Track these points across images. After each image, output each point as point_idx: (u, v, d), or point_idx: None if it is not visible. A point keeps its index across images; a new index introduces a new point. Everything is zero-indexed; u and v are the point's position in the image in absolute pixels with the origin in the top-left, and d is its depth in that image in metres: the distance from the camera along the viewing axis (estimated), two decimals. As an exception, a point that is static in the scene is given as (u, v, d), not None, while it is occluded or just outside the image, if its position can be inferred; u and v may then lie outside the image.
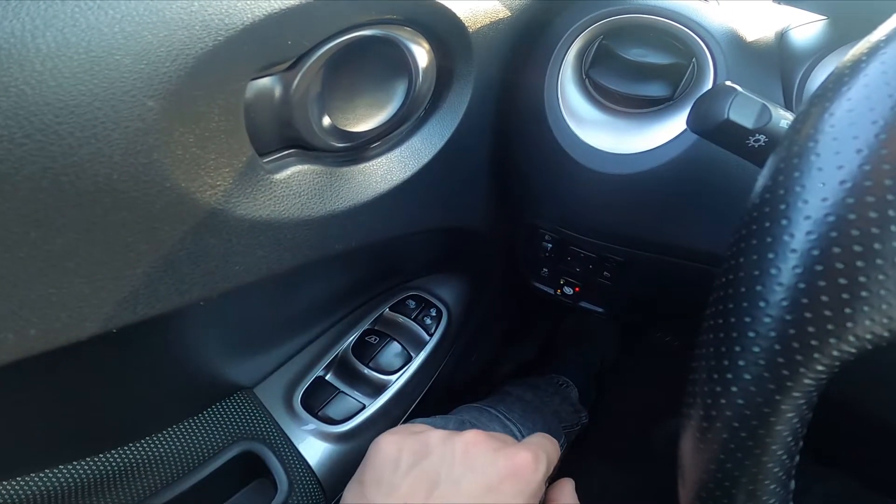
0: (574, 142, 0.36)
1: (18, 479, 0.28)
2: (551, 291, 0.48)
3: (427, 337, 0.43)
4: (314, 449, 0.36)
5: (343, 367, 0.40)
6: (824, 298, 0.14)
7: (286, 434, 0.36)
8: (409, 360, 0.41)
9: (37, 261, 0.18)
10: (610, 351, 0.80)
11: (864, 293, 0.14)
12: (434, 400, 0.46)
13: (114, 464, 0.31)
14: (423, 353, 0.42)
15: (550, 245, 0.44)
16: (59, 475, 0.29)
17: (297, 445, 0.35)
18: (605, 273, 0.43)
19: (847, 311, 0.14)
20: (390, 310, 0.44)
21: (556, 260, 0.45)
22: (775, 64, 0.35)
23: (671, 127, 0.34)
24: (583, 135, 0.36)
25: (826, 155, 0.14)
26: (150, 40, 0.17)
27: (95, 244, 0.19)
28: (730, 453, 0.16)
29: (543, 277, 0.48)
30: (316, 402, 0.38)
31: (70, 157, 0.17)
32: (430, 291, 0.47)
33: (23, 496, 0.28)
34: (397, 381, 0.40)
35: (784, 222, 0.15)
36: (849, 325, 0.14)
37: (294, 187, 0.25)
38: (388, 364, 0.41)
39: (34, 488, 0.28)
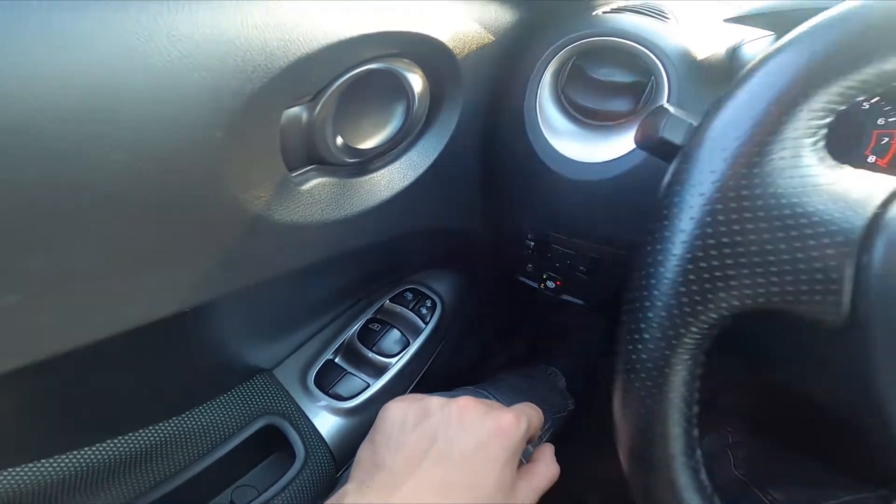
0: (550, 152, 0.42)
1: (76, 451, 0.33)
2: (535, 285, 0.54)
3: (423, 325, 0.49)
4: (326, 422, 0.42)
5: (350, 351, 0.46)
6: (698, 275, 0.20)
7: (302, 409, 0.41)
8: (407, 344, 0.47)
9: (128, 256, 0.24)
10: (595, 342, 0.86)
11: (726, 272, 0.20)
12: (431, 384, 0.52)
13: (156, 436, 0.36)
14: (419, 339, 0.48)
15: (533, 243, 0.50)
16: (110, 447, 0.34)
17: (311, 419, 0.41)
18: (582, 268, 0.49)
19: (712, 286, 0.20)
20: (391, 301, 0.50)
21: (539, 257, 0.51)
22: (727, 78, 0.40)
23: (632, 139, 0.41)
24: (558, 146, 0.42)
25: (703, 161, 0.21)
26: (217, 84, 0.23)
27: (170, 243, 0.24)
28: (643, 402, 0.22)
29: (528, 272, 0.53)
30: (327, 381, 0.44)
31: (156, 173, 0.23)
32: (426, 285, 0.53)
33: (83, 464, 0.33)
34: (397, 364, 0.46)
35: (676, 211, 0.21)
36: (710, 296, 0.20)
37: (315, 196, 0.30)
38: (388, 348, 0.47)
39: (92, 458, 0.33)
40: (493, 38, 0.39)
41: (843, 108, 0.20)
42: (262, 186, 0.27)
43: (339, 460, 0.42)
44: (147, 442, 0.36)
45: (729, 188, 0.20)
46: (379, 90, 0.33)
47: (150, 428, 0.36)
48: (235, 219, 0.26)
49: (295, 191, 0.29)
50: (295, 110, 0.28)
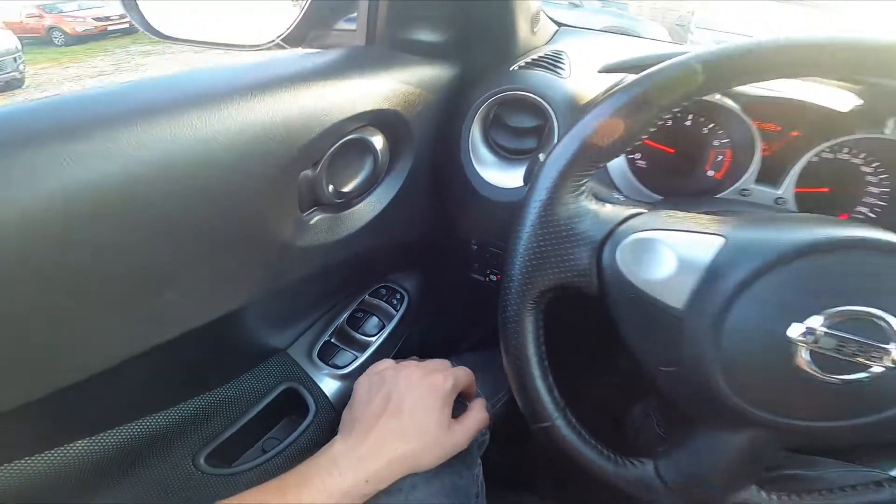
0: (479, 181, 0.58)
1: (148, 416, 0.47)
2: (482, 279, 0.70)
3: (394, 312, 0.66)
4: (328, 385, 0.58)
5: (342, 333, 0.63)
6: (530, 264, 0.36)
7: (310, 376, 0.57)
8: (383, 327, 0.64)
9: (202, 270, 0.39)
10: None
11: (543, 262, 0.36)
12: (406, 357, 0.69)
13: (209, 401, 0.51)
14: (391, 323, 0.65)
15: (476, 247, 0.66)
16: (171, 413, 0.49)
17: (318, 383, 0.57)
18: None
19: (537, 271, 0.36)
20: (369, 295, 0.67)
21: (481, 257, 0.67)
22: None
23: None
24: (486, 175, 0.58)
25: (533, 195, 0.36)
26: (266, 160, 0.39)
27: (223, 260, 0.40)
28: (511, 335, 0.37)
29: (476, 270, 0.68)
30: (327, 355, 0.60)
31: (227, 215, 0.38)
32: (397, 283, 0.69)
33: (149, 428, 0.47)
34: (376, 342, 0.63)
35: (521, 223, 0.37)
36: (537, 277, 0.36)
37: (318, 227, 0.47)
38: (369, 330, 0.63)
39: (157, 422, 0.47)
40: (435, 97, 0.55)
41: (598, 168, 0.37)
42: (287, 223, 0.43)
43: (339, 411, 0.58)
44: (201, 406, 0.51)
45: (544, 212, 0.36)
46: (353, 150, 0.49)
47: (203, 396, 0.51)
48: (271, 244, 0.42)
49: (306, 225, 0.46)
50: (306, 172, 0.44)
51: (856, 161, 0.53)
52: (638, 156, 0.60)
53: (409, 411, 0.42)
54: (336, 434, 0.48)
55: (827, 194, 0.54)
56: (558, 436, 0.39)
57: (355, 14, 0.56)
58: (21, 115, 0.30)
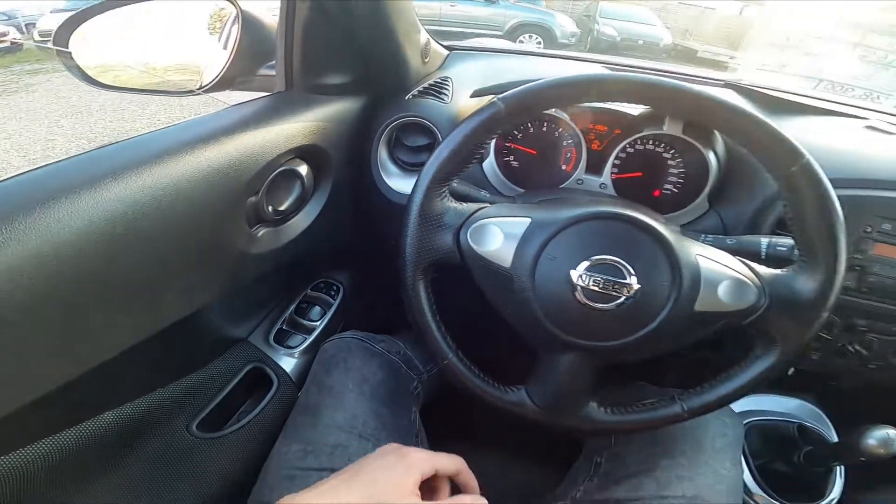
0: (387, 189, 0.74)
1: (130, 402, 0.58)
2: None
3: (333, 301, 0.81)
4: (286, 362, 0.72)
5: (292, 321, 0.77)
6: (413, 245, 0.51)
7: (271, 357, 0.71)
8: (324, 314, 0.79)
9: (170, 277, 0.52)
10: (466, 308, 1.16)
11: (420, 244, 0.52)
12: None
13: (184, 385, 0.64)
14: (330, 311, 0.80)
15: (394, 243, 0.82)
16: (154, 396, 0.61)
17: (277, 362, 0.72)
18: None
19: (420, 250, 0.52)
20: (311, 290, 0.81)
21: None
22: None
23: None
24: (393, 185, 0.74)
25: (414, 195, 0.51)
26: (220, 192, 0.52)
27: (195, 268, 0.53)
28: (413, 302, 0.52)
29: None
30: (282, 339, 0.74)
31: (196, 232, 0.51)
32: (333, 277, 0.84)
33: (136, 409, 0.59)
34: (320, 325, 0.77)
35: (409, 212, 0.52)
36: (420, 255, 0.51)
37: (263, 238, 0.61)
38: (314, 317, 0.78)
39: (140, 406, 0.59)
40: (347, 126, 0.71)
41: (454, 179, 0.53)
42: (240, 237, 0.57)
43: (297, 383, 0.72)
44: (187, 387, 0.63)
45: (420, 208, 0.51)
46: (285, 178, 0.63)
47: (186, 378, 0.63)
48: (229, 254, 0.56)
49: (254, 237, 0.60)
50: (251, 198, 0.58)
51: (658, 150, 0.73)
52: (511, 157, 0.77)
53: (369, 469, 0.42)
54: (301, 400, 0.61)
55: (640, 178, 0.74)
56: (455, 370, 0.53)
57: (274, 62, 0.69)
58: (37, 180, 0.42)
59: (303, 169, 0.64)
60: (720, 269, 0.48)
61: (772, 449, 0.76)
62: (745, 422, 0.78)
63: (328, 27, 0.61)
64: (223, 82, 0.63)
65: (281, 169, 0.61)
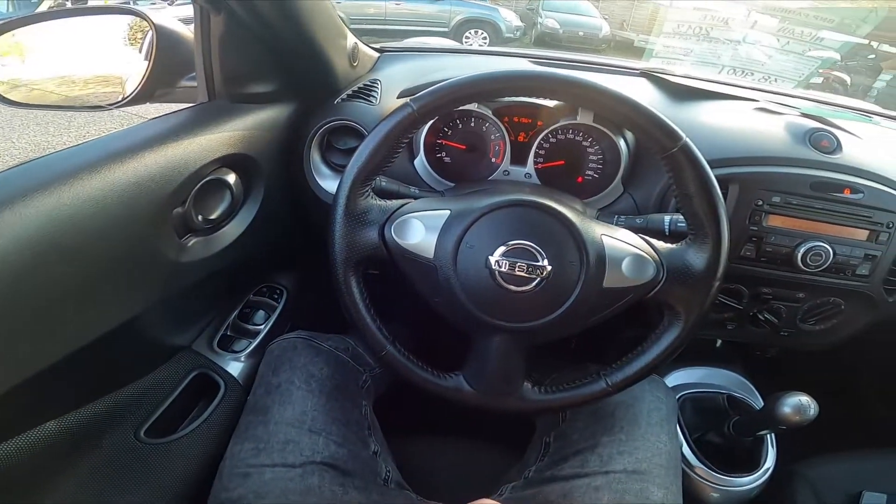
0: (323, 191, 0.75)
1: (75, 410, 0.57)
2: None
3: (276, 305, 0.82)
4: (232, 367, 0.73)
5: (235, 326, 0.77)
6: (344, 242, 0.54)
7: (216, 363, 0.72)
8: (268, 317, 0.80)
9: (98, 287, 0.52)
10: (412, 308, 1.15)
11: (350, 240, 0.54)
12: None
13: (127, 394, 0.63)
14: (275, 313, 0.80)
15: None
16: (97, 405, 0.60)
17: (223, 367, 0.72)
18: None
19: (350, 247, 0.53)
20: (254, 295, 0.82)
21: None
22: None
23: None
24: (326, 187, 0.76)
25: (338, 192, 0.54)
26: (145, 203, 0.52)
27: (122, 278, 0.53)
28: (346, 298, 0.54)
29: None
30: (226, 345, 0.74)
31: (125, 242, 0.51)
32: (276, 281, 0.85)
33: (80, 417, 0.59)
34: (264, 329, 0.78)
35: (334, 211, 0.54)
36: (349, 253, 0.53)
37: (194, 248, 0.61)
38: (258, 321, 0.79)
39: (89, 412, 0.59)
40: (277, 133, 0.71)
41: (375, 181, 0.55)
42: (169, 247, 0.58)
43: (245, 386, 0.73)
44: (132, 394, 0.62)
45: (344, 207, 0.53)
46: (213, 187, 0.64)
47: (131, 385, 0.62)
48: (159, 264, 0.57)
49: (185, 247, 0.60)
50: (178, 209, 0.59)
51: (578, 139, 0.77)
52: (443, 153, 0.80)
53: None
54: (245, 403, 0.62)
55: (563, 166, 0.78)
56: (393, 361, 0.56)
57: (195, 73, 0.69)
58: None
59: (230, 178, 0.64)
60: (623, 246, 0.53)
61: (705, 420, 0.79)
62: (678, 395, 0.82)
63: (246, 39, 0.62)
64: (142, 96, 0.63)
65: (208, 178, 0.61)
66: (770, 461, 0.76)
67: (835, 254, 0.69)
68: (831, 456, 0.74)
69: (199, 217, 0.62)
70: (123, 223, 0.51)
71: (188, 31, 0.63)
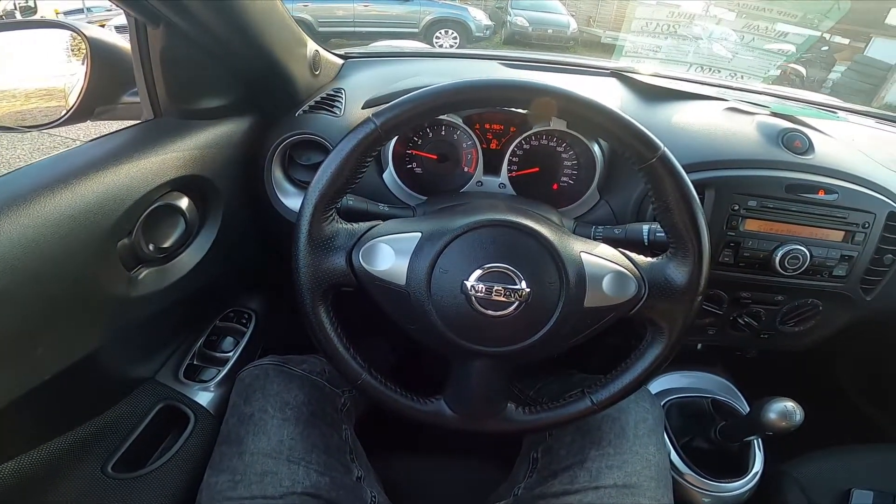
0: (287, 210, 0.70)
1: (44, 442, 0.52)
2: None
3: (245, 330, 0.76)
4: (202, 397, 0.68)
5: (202, 355, 0.72)
6: (309, 270, 0.49)
7: (183, 393, 0.67)
8: (237, 343, 0.74)
9: (45, 325, 0.46)
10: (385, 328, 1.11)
11: (314, 269, 0.49)
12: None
13: (89, 430, 0.57)
14: (244, 339, 0.75)
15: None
16: (70, 436, 0.54)
17: (191, 397, 0.67)
18: None
19: (315, 276, 0.49)
20: (220, 321, 0.76)
21: None
22: None
23: None
24: (287, 203, 0.70)
25: (302, 216, 0.48)
26: (89, 230, 0.47)
27: (71, 315, 0.47)
28: (315, 328, 0.50)
29: None
30: (193, 374, 0.69)
31: (70, 280, 0.46)
32: (244, 305, 0.80)
33: (41, 456, 0.52)
34: (233, 356, 0.73)
35: (297, 236, 0.49)
36: (317, 279, 0.49)
37: (147, 280, 0.56)
38: (227, 347, 0.73)
39: (48, 451, 0.53)
40: (234, 150, 0.66)
41: (338, 204, 0.50)
42: (118, 282, 0.52)
43: (217, 415, 0.67)
44: (96, 428, 0.58)
45: (307, 234, 0.48)
46: (164, 214, 0.58)
47: (94, 420, 0.57)
48: (107, 299, 0.51)
49: (135, 280, 0.55)
50: (123, 240, 0.53)
51: (552, 145, 0.74)
52: (414, 164, 0.76)
53: None
54: (223, 432, 0.58)
55: (537, 173, 0.75)
56: (370, 388, 0.52)
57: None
58: None
59: (183, 202, 0.59)
60: (603, 263, 0.50)
61: (691, 426, 0.78)
62: (663, 401, 0.81)
63: (191, 51, 0.56)
64: (80, 114, 0.57)
65: (156, 205, 0.56)
66: (759, 464, 0.75)
67: (812, 256, 0.68)
68: (816, 454, 0.73)
69: (150, 247, 0.56)
70: (61, 262, 0.46)
71: (126, 43, 0.57)
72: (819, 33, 1.09)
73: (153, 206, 0.55)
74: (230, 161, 0.65)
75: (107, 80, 0.58)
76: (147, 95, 0.58)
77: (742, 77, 1.02)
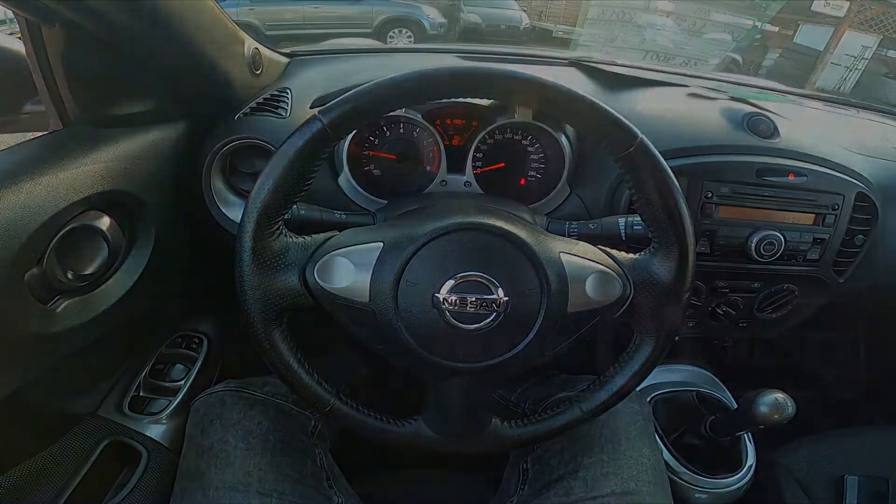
0: (225, 220, 0.62)
1: None
2: None
3: (196, 355, 0.68)
4: (153, 430, 0.60)
5: (149, 385, 0.64)
6: (257, 291, 0.41)
7: (131, 428, 0.59)
8: (189, 370, 0.66)
9: None
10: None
11: (268, 288, 0.42)
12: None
13: (23, 474, 0.49)
14: (196, 365, 0.67)
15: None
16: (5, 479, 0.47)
17: (141, 431, 0.59)
18: None
19: (265, 296, 0.42)
20: (166, 348, 0.67)
21: None
22: None
23: None
24: (229, 214, 0.62)
25: (246, 220, 0.41)
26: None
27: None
28: (271, 355, 0.42)
29: None
30: (140, 407, 0.61)
31: None
32: (194, 329, 0.71)
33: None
34: (185, 384, 0.65)
35: (239, 254, 0.42)
36: (269, 301, 0.42)
37: (67, 312, 0.47)
38: (177, 376, 0.65)
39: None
40: (164, 161, 0.57)
41: (285, 215, 0.42)
42: (29, 317, 0.43)
43: (172, 448, 0.60)
44: (32, 470, 0.50)
45: (251, 252, 0.40)
46: (81, 236, 0.49)
47: (29, 461, 0.50)
48: (21, 337, 0.43)
49: (52, 314, 0.46)
50: (32, 270, 0.44)
51: (517, 138, 0.69)
52: (371, 166, 0.69)
53: None
54: (176, 469, 0.52)
55: (504, 169, 0.69)
56: (340, 414, 0.45)
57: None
58: None
59: (103, 222, 0.50)
60: (585, 263, 0.45)
61: (679, 420, 0.76)
62: (648, 398, 0.78)
63: (98, 51, 0.48)
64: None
65: (70, 227, 0.47)
66: (751, 457, 0.73)
67: (785, 241, 0.66)
68: (806, 440, 0.72)
69: (69, 275, 0.47)
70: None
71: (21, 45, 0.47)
72: (760, 23, 1.09)
73: (66, 229, 0.46)
74: (159, 173, 0.56)
75: (4, 87, 0.49)
76: (52, 103, 0.48)
77: (696, 64, 1.00)
